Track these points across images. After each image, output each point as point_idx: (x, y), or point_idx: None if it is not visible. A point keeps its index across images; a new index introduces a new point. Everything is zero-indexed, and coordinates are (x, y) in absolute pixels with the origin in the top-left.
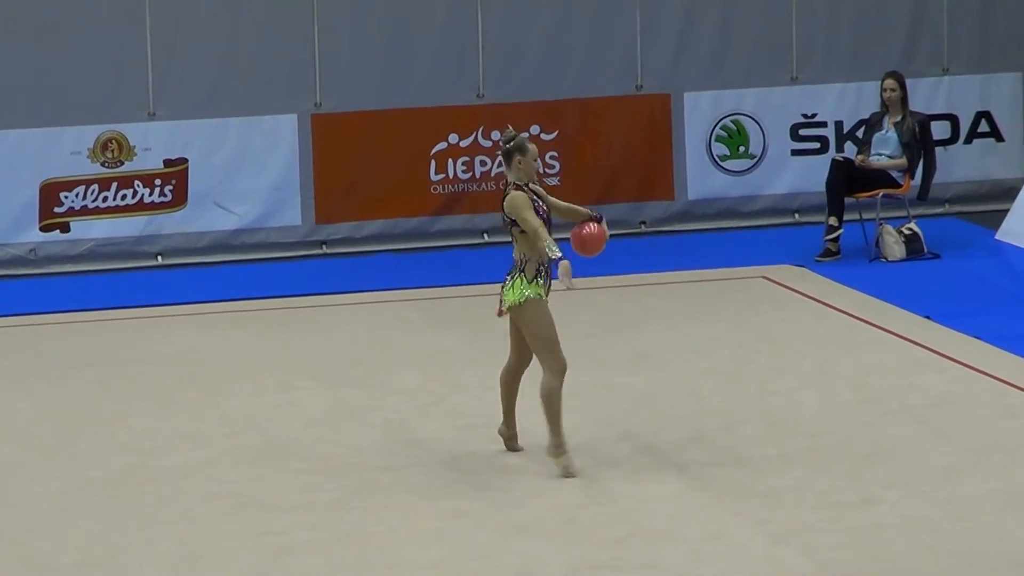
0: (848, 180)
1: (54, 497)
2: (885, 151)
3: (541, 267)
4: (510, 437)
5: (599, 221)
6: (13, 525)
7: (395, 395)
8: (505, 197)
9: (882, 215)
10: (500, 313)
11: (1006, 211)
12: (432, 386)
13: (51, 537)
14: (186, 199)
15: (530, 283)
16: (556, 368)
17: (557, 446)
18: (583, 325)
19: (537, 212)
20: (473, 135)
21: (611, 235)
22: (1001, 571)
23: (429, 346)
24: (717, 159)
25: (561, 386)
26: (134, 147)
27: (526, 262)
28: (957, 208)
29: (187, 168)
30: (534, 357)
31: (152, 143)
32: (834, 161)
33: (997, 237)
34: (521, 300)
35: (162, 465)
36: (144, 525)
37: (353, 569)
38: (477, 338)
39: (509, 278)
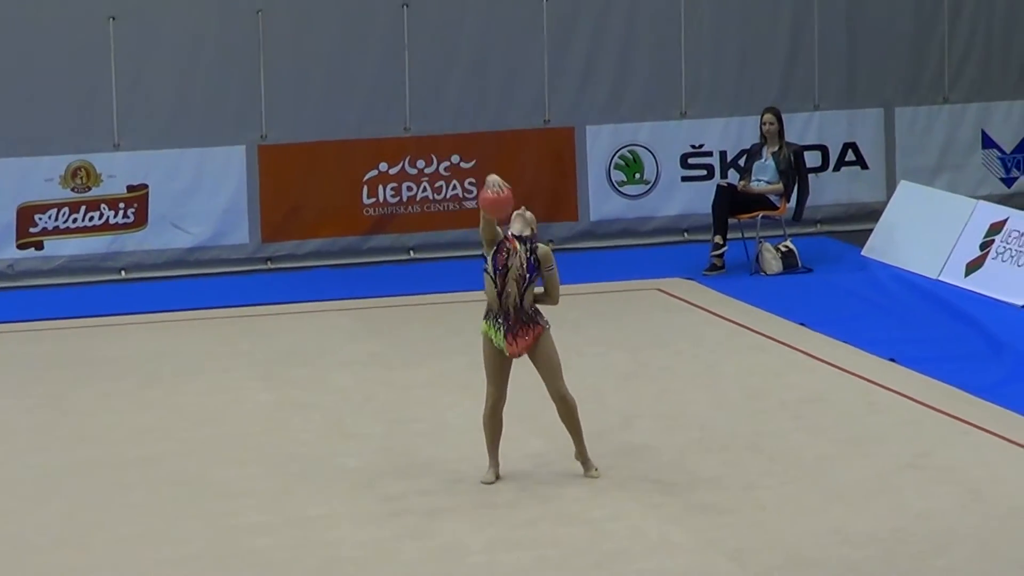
0: (731, 203)
1: (29, 484)
2: (764, 177)
3: (489, 311)
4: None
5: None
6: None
7: (333, 394)
8: (537, 247)
9: (761, 234)
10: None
11: (871, 230)
12: (365, 386)
13: (28, 521)
14: (147, 220)
15: (484, 319)
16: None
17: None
18: None
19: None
20: (401, 163)
21: None
22: (870, 547)
23: (363, 350)
24: (616, 185)
25: (486, 414)
26: (100, 174)
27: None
28: (827, 228)
29: (147, 193)
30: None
31: (116, 171)
32: (719, 187)
33: (863, 253)
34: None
35: (127, 456)
36: (111, 509)
37: (298, 548)
38: (405, 344)
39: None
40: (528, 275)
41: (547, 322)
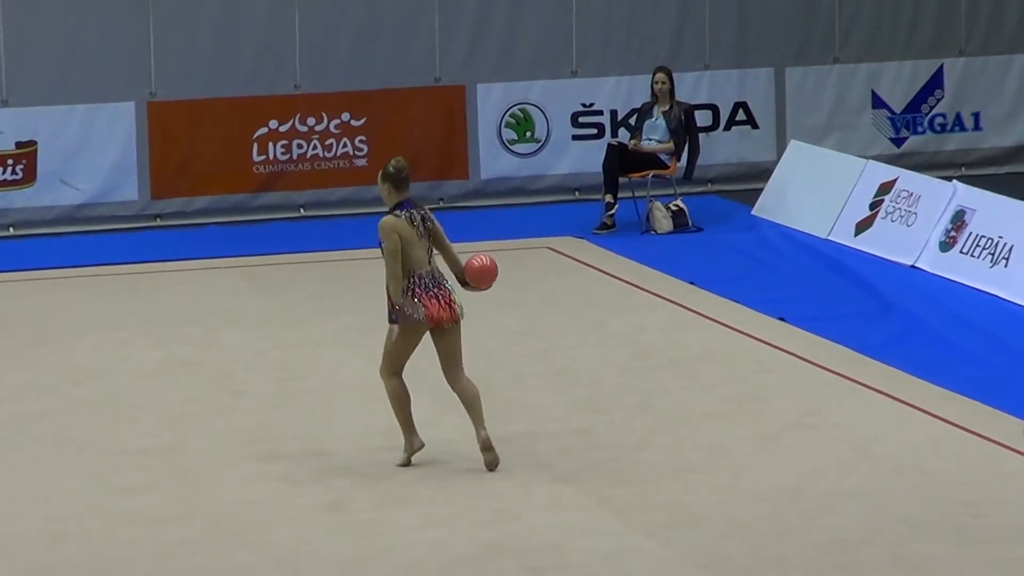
0: (622, 162)
1: None
2: (655, 136)
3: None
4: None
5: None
6: None
7: (222, 352)
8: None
9: (652, 193)
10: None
11: (761, 190)
12: (255, 344)
13: None
14: (35, 177)
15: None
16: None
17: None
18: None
19: None
20: (291, 121)
21: None
22: (758, 505)
23: (251, 308)
24: (506, 143)
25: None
26: None
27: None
28: (718, 187)
29: (36, 149)
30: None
31: (4, 127)
32: (610, 145)
33: (753, 212)
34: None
35: (11, 412)
36: (4, 465)
37: (184, 505)
38: (294, 302)
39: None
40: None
41: (421, 309)
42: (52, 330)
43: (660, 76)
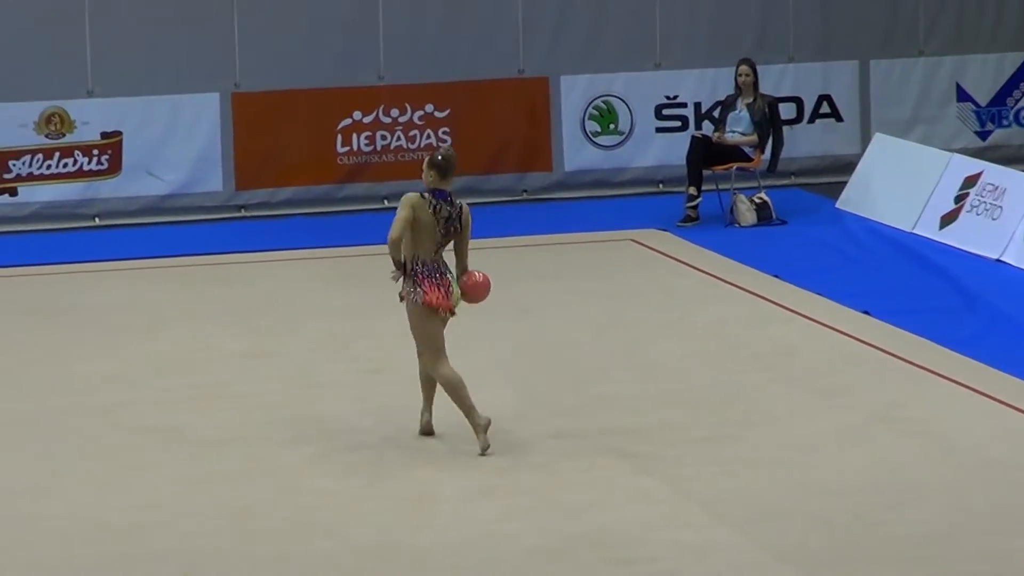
0: (706, 154)
1: (1, 431)
2: (738, 129)
3: None
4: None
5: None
6: None
7: (305, 343)
8: (461, 207)
9: (736, 185)
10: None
11: (845, 183)
12: (338, 335)
13: (1, 468)
14: (120, 167)
15: None
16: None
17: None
18: None
19: None
20: (375, 112)
21: (496, 202)
22: (842, 499)
23: (335, 300)
24: (590, 135)
25: None
26: (74, 121)
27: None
28: (802, 180)
29: (121, 140)
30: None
31: (90, 117)
32: (693, 138)
33: (837, 206)
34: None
35: (96, 402)
36: (83, 456)
37: (267, 495)
38: (377, 293)
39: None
40: None
41: (420, 293)
42: (136, 320)
43: (744, 68)
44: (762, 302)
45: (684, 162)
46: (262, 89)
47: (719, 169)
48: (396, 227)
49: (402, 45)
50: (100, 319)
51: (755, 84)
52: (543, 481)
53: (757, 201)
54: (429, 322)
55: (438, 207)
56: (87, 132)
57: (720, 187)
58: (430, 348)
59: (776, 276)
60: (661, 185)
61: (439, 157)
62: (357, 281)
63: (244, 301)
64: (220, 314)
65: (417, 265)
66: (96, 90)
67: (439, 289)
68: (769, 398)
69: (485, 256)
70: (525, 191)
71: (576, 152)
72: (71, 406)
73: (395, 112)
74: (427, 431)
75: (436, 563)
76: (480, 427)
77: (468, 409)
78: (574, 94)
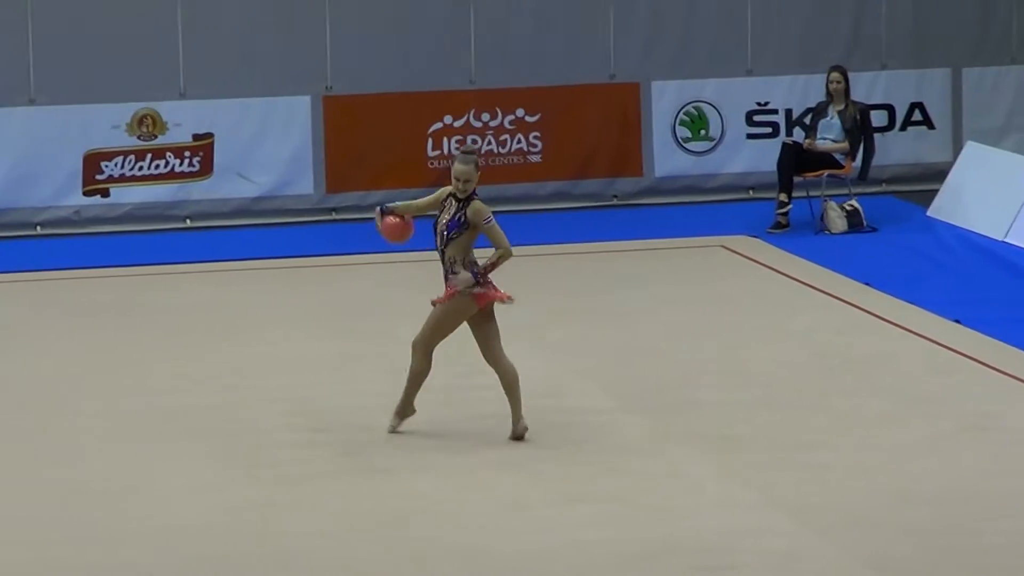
0: (797, 161)
1: (93, 432)
2: (830, 136)
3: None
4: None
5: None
6: (58, 456)
7: (397, 345)
8: (471, 203)
9: (826, 192)
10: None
11: (936, 191)
12: None
13: (92, 468)
14: (212, 169)
15: None
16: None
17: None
18: (564, 286)
19: None
20: (465, 116)
21: (586, 207)
22: (931, 508)
23: (426, 302)
24: (681, 141)
25: None
26: (166, 122)
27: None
28: (893, 187)
29: (213, 142)
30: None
31: (182, 119)
32: (784, 144)
33: (928, 214)
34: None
35: (184, 403)
36: (175, 456)
37: (358, 497)
38: None
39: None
40: (447, 231)
41: (469, 287)
42: (227, 322)
43: (835, 75)
44: (852, 309)
45: (775, 168)
46: (354, 92)
47: (810, 176)
48: (501, 232)
49: (493, 49)
50: (191, 321)
51: (846, 91)
52: (632, 487)
53: (848, 208)
54: (455, 320)
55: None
56: (179, 134)
57: (811, 194)
58: (432, 338)
59: (867, 284)
60: (751, 191)
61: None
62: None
63: (335, 304)
64: (311, 317)
65: (468, 263)
66: (188, 92)
67: (491, 287)
68: (859, 406)
69: (575, 261)
70: (615, 196)
71: (667, 158)
72: (161, 408)
73: (486, 116)
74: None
75: (526, 569)
76: (404, 416)
77: (410, 399)
78: (665, 99)
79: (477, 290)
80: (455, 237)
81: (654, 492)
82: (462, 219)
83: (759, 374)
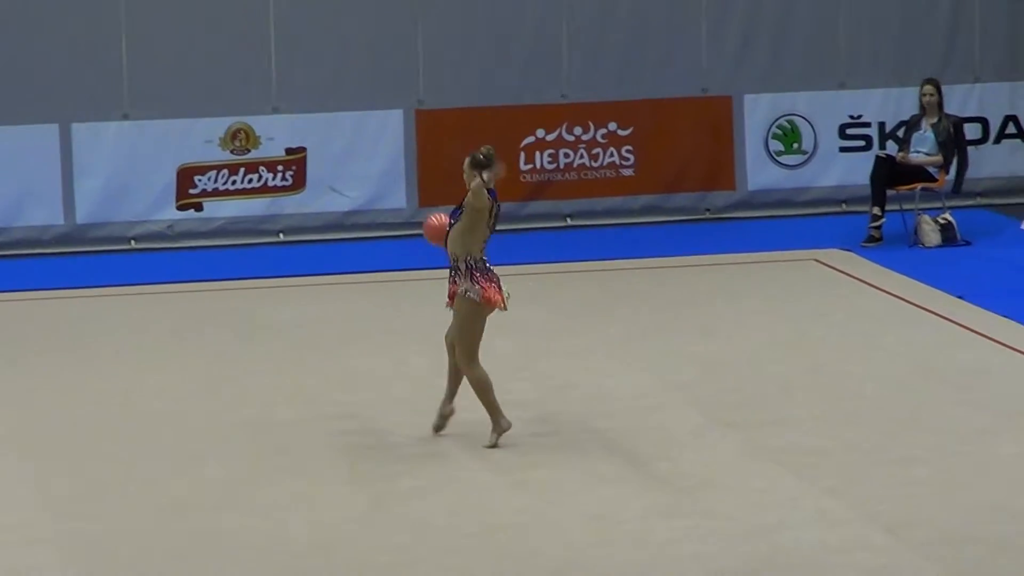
0: (890, 174)
1: (188, 446)
2: (923, 149)
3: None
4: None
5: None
6: (155, 471)
7: (491, 360)
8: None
9: (920, 206)
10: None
11: None
12: (523, 352)
13: (189, 482)
14: (305, 183)
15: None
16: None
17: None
18: (656, 300)
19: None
20: (558, 130)
21: (678, 221)
22: (1011, 523)
23: (519, 317)
24: (773, 154)
25: None
26: (259, 137)
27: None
28: (987, 201)
29: (306, 156)
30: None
31: (275, 133)
32: (877, 157)
33: (1023, 227)
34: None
35: (280, 418)
36: (268, 472)
37: (454, 512)
38: (563, 310)
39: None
40: (451, 221)
41: (477, 289)
42: (321, 336)
43: (928, 88)
44: (947, 323)
45: (868, 182)
46: (446, 106)
47: (903, 189)
48: (475, 219)
49: (586, 63)
50: (283, 334)
51: (940, 104)
52: (725, 501)
53: (942, 222)
54: (478, 320)
55: (493, 205)
56: (272, 148)
57: (904, 207)
58: (469, 346)
59: (961, 297)
60: (844, 205)
61: (481, 156)
62: (541, 298)
63: (428, 318)
64: (405, 331)
65: (471, 263)
66: (281, 106)
67: (495, 284)
68: (956, 420)
69: (667, 275)
70: (708, 210)
71: (759, 171)
72: (256, 421)
73: (578, 130)
74: (442, 426)
75: None
76: (501, 428)
77: (495, 410)
78: (757, 113)
79: (471, 295)
80: (454, 224)
81: (748, 507)
82: (461, 204)
83: (854, 388)
